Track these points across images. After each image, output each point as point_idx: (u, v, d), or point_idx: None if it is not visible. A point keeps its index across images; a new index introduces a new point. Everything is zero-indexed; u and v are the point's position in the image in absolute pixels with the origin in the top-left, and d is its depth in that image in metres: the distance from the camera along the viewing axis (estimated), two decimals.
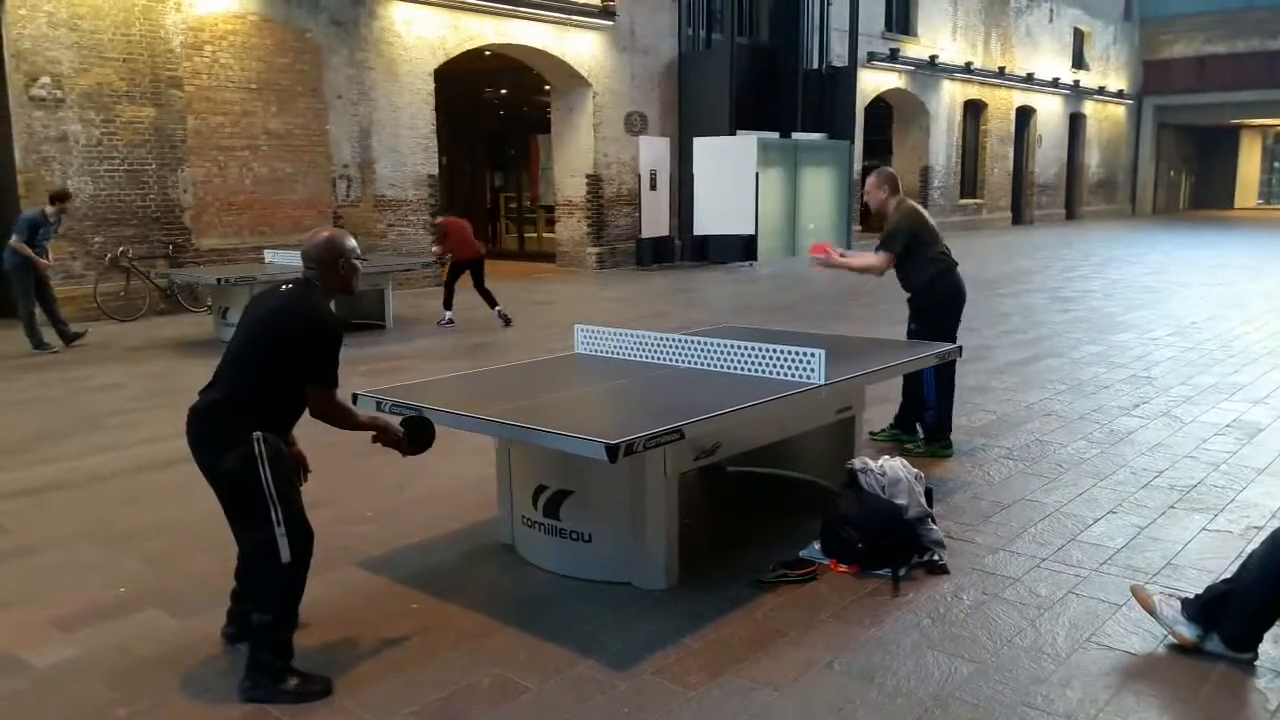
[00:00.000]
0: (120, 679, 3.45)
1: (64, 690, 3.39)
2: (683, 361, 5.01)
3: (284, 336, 3.32)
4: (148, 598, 4.10)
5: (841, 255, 6.42)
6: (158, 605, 4.02)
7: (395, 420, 3.78)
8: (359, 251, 3.60)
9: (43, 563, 4.55)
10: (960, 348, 5.75)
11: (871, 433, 6.27)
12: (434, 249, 12.21)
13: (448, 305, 11.79)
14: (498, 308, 11.66)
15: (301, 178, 14.23)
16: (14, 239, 9.90)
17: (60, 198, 10.30)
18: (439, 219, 12.41)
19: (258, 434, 3.26)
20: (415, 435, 3.76)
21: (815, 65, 21.79)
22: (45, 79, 11.61)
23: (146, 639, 3.73)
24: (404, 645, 3.66)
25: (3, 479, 5.82)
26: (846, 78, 21.99)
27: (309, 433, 3.71)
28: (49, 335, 10.21)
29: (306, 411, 3.47)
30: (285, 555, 3.27)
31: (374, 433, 3.66)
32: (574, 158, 18.64)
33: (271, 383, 3.33)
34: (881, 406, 6.78)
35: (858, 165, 23.73)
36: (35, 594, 4.18)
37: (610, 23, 18.07)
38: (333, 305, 3.57)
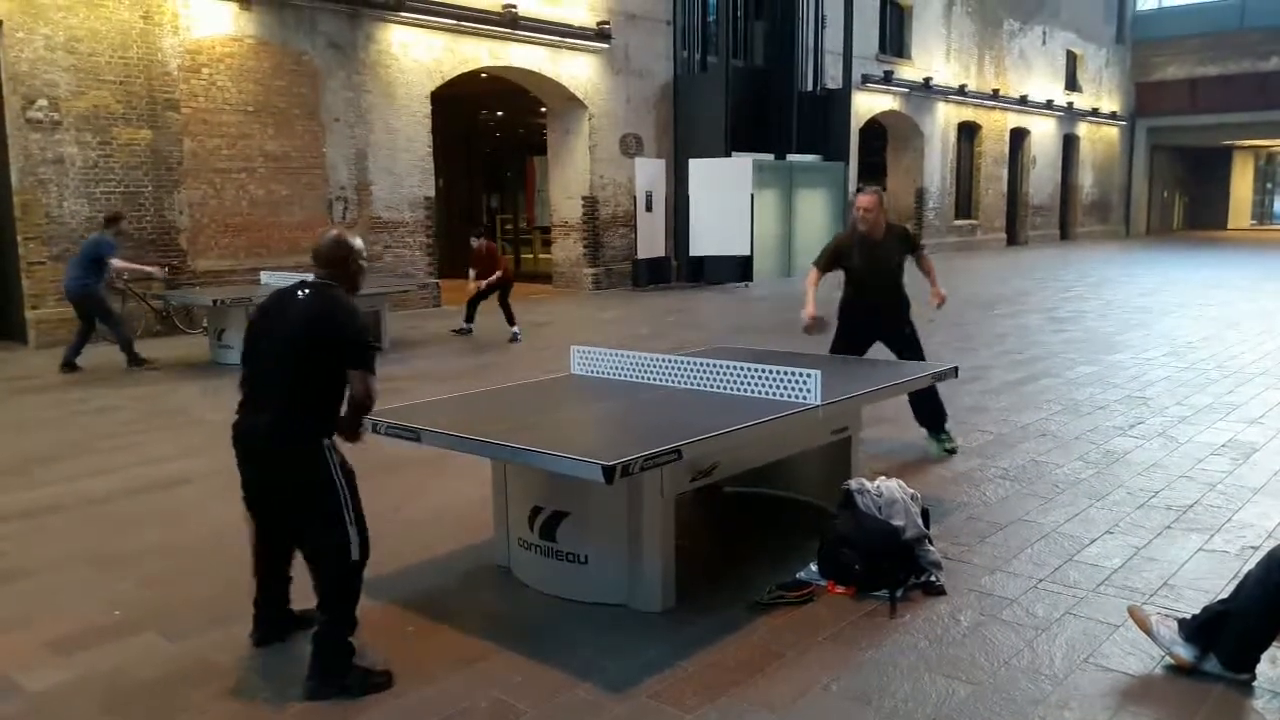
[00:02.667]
0: (115, 703, 3.43)
1: (58, 714, 3.37)
2: (679, 382, 5.02)
3: (332, 339, 3.46)
4: (144, 621, 4.08)
5: (938, 291, 6.69)
6: (154, 628, 4.00)
7: None
8: (365, 252, 3.73)
9: (38, 585, 4.53)
10: (956, 368, 5.77)
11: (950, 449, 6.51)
12: (477, 281, 12.41)
13: (511, 321, 12.19)
14: (469, 326, 12.40)
15: (298, 200, 14.25)
16: (115, 262, 10.22)
17: (115, 220, 10.61)
18: (480, 240, 12.62)
19: (327, 441, 3.48)
20: None
21: (810, 88, 21.91)
22: (42, 101, 11.64)
23: (142, 662, 3.72)
24: (399, 668, 3.64)
25: None
26: (841, 100, 22.12)
27: None
28: (138, 350, 10.42)
29: None
30: (356, 554, 3.46)
31: None
32: (570, 179, 18.71)
33: (326, 386, 3.49)
34: (879, 427, 6.79)
35: (852, 187, 23.81)
36: (30, 617, 4.16)
37: (605, 46, 18.17)
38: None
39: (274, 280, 11.79)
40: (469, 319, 12.53)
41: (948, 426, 6.58)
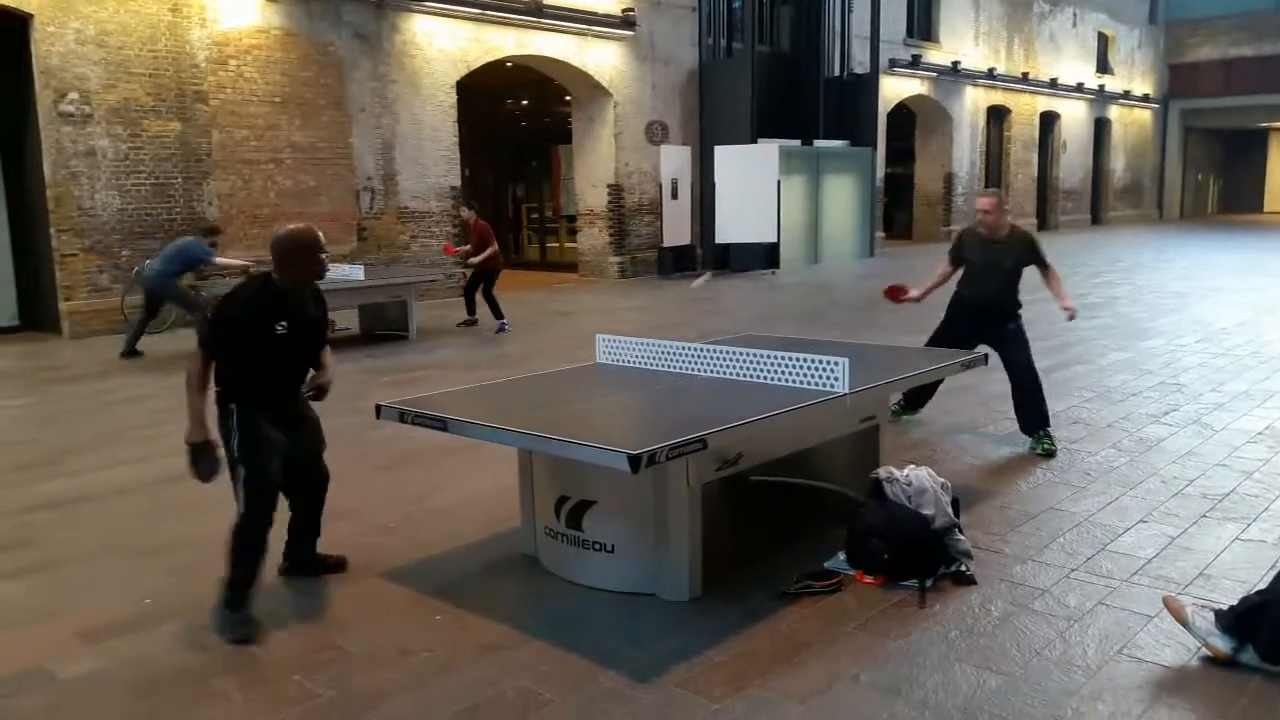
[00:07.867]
0: (145, 691, 3.46)
1: (89, 702, 3.40)
2: (705, 371, 4.99)
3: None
4: (173, 610, 4.11)
5: (1069, 306, 6.42)
6: (183, 618, 4.03)
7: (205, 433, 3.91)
8: (322, 244, 4.01)
9: (68, 575, 4.58)
10: (986, 355, 5.69)
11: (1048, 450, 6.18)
12: (463, 249, 12.64)
13: (498, 314, 12.04)
14: (474, 318, 12.28)
15: (325, 190, 14.32)
16: (219, 260, 10.80)
17: (214, 232, 11.20)
18: (471, 214, 12.52)
19: (233, 405, 3.91)
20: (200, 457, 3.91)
21: (837, 72, 21.73)
22: (73, 95, 11.75)
23: (172, 651, 3.75)
24: (427, 657, 3.65)
25: (29, 491, 5.87)
26: (868, 84, 21.94)
27: (332, 449, 3.74)
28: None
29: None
30: (241, 506, 3.88)
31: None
32: (595, 167, 18.68)
33: (230, 360, 3.93)
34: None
35: (880, 172, 23.66)
36: (61, 606, 4.20)
37: (631, 33, 18.11)
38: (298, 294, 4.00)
39: None
40: (471, 310, 12.44)
41: (1050, 429, 6.28)
